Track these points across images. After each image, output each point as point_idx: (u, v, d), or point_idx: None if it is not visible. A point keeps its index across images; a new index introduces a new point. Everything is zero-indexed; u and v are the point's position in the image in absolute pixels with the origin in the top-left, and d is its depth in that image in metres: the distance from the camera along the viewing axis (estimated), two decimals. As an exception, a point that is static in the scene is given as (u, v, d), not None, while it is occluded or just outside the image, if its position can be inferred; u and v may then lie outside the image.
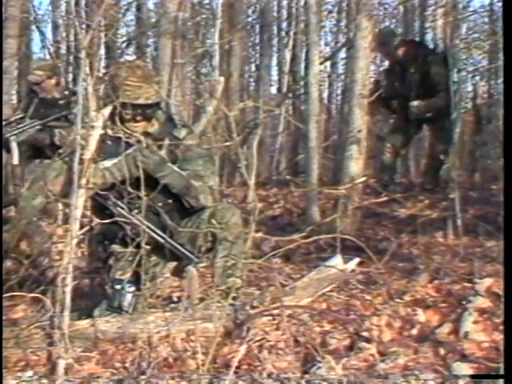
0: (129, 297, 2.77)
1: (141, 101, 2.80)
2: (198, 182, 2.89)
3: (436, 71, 5.15)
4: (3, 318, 2.80)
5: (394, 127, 5.55)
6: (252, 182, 3.93)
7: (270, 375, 2.21)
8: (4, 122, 4.09)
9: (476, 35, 8.59)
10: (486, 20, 8.63)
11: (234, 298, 2.61)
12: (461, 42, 5.46)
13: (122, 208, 2.79)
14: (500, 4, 6.52)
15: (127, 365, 2.32)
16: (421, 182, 5.61)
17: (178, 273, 2.86)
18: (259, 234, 3.44)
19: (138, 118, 2.84)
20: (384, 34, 5.41)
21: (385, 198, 4.45)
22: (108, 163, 2.78)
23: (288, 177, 6.05)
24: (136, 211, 2.77)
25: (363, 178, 4.15)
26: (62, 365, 2.26)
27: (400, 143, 5.51)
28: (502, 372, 2.07)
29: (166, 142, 2.88)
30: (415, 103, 5.24)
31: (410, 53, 5.35)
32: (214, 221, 2.83)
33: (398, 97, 5.40)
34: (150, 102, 2.82)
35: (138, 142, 2.83)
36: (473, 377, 2.13)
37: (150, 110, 2.86)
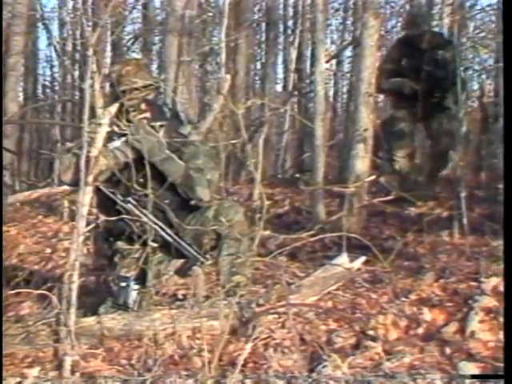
0: (134, 294, 2.78)
1: (140, 84, 2.86)
2: (197, 174, 2.89)
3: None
4: (9, 314, 2.81)
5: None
6: (258, 179, 3.92)
7: (273, 374, 2.21)
8: None
9: (483, 34, 8.55)
10: (494, 19, 8.58)
11: (241, 296, 2.61)
12: (468, 41, 5.39)
13: (133, 205, 2.79)
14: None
15: (133, 362, 2.33)
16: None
17: (182, 272, 2.85)
18: (267, 232, 3.43)
19: (142, 106, 2.87)
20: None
21: (391, 197, 4.43)
22: (117, 143, 2.82)
23: (297, 175, 6.02)
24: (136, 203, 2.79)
25: (373, 177, 4.13)
26: (68, 361, 2.27)
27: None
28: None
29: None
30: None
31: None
32: (222, 219, 2.83)
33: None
34: (148, 82, 2.90)
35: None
36: (473, 377, 2.13)
37: (152, 95, 2.92)
